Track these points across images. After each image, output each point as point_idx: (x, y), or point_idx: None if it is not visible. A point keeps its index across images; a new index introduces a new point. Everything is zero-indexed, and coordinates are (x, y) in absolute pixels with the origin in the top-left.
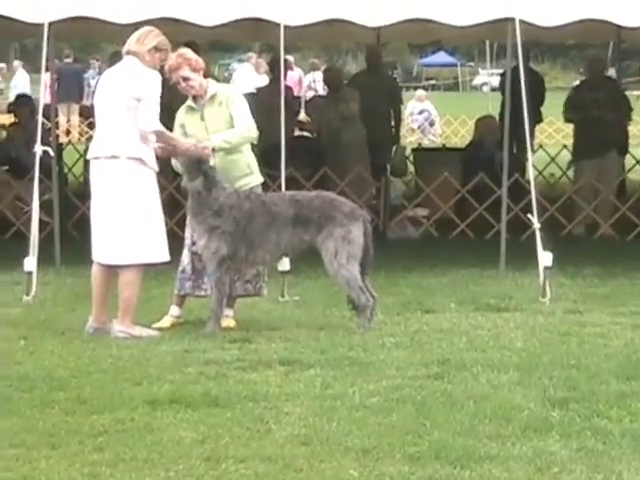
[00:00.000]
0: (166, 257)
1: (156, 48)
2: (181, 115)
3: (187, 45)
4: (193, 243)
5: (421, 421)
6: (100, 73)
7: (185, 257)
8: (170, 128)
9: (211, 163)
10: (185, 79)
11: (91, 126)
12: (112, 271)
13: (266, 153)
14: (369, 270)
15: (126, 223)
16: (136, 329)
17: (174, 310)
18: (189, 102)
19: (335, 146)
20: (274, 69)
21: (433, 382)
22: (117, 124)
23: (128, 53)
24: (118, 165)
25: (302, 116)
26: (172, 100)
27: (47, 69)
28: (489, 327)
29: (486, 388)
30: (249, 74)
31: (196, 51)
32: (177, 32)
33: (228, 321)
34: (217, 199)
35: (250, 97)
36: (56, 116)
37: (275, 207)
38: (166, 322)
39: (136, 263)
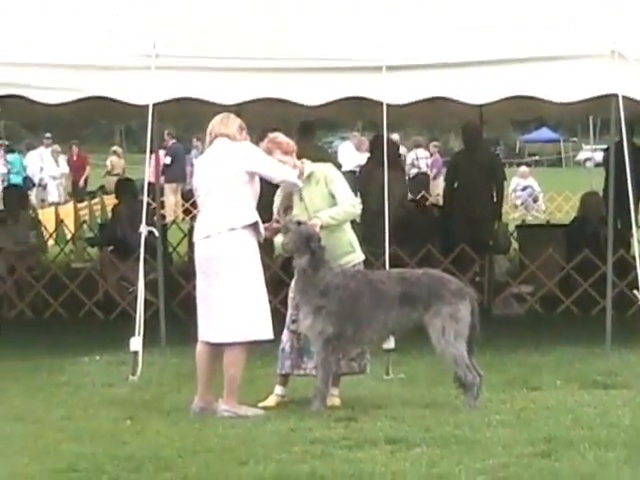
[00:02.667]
0: (270, 335)
1: (240, 127)
2: (279, 198)
3: (302, 126)
4: (293, 321)
5: None
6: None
7: (285, 336)
8: (269, 213)
9: (321, 242)
10: None
11: (195, 205)
12: (218, 350)
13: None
14: (475, 348)
15: (232, 300)
16: (242, 408)
17: (278, 389)
18: None
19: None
20: (375, 147)
21: (540, 460)
22: (230, 200)
23: (218, 136)
24: (231, 238)
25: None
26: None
27: (152, 150)
28: (595, 404)
29: (593, 466)
30: (351, 152)
31: (311, 131)
32: (280, 112)
33: (333, 399)
34: (324, 278)
35: (350, 175)
36: (161, 195)
37: (382, 285)
38: (271, 401)
39: (241, 341)
